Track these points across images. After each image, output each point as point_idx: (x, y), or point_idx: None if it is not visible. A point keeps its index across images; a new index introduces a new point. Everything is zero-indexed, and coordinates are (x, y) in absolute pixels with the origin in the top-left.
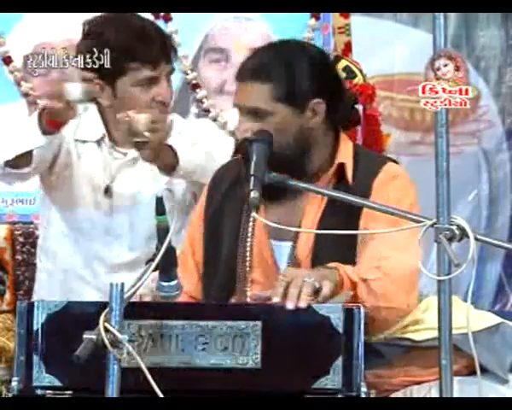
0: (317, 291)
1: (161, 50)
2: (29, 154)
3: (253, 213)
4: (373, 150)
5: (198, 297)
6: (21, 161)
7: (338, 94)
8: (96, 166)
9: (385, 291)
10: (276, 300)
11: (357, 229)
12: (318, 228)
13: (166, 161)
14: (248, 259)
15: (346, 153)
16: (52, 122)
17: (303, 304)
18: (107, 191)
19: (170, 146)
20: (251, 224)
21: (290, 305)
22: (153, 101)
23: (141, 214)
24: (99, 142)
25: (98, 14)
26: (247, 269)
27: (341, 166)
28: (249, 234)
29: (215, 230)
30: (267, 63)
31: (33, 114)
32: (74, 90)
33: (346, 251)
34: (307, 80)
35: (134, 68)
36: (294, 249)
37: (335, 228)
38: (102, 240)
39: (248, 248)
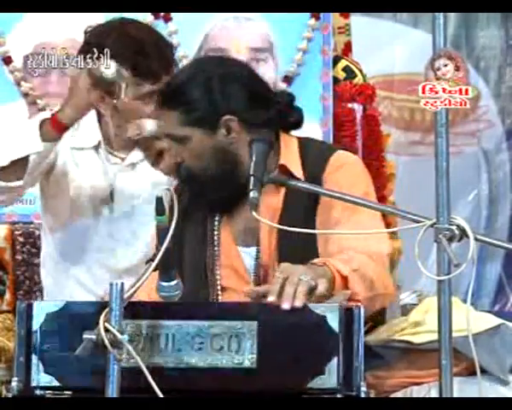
0: (312, 290)
1: (161, 64)
2: (24, 161)
3: (253, 213)
4: (321, 141)
5: None
6: (16, 168)
7: (257, 103)
8: (95, 172)
9: (376, 273)
10: (271, 298)
11: (313, 220)
12: (279, 230)
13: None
14: (217, 266)
15: (287, 153)
16: (58, 126)
17: (298, 303)
18: (111, 196)
19: None
20: (216, 232)
21: (286, 305)
22: (152, 115)
23: (141, 219)
24: (96, 148)
25: (99, 23)
26: (218, 277)
27: (286, 169)
28: (215, 242)
29: (181, 238)
30: (174, 89)
31: (32, 119)
32: (109, 70)
33: (308, 249)
34: (215, 99)
35: (135, 82)
36: (259, 254)
37: (294, 225)
38: (103, 246)
39: (216, 257)
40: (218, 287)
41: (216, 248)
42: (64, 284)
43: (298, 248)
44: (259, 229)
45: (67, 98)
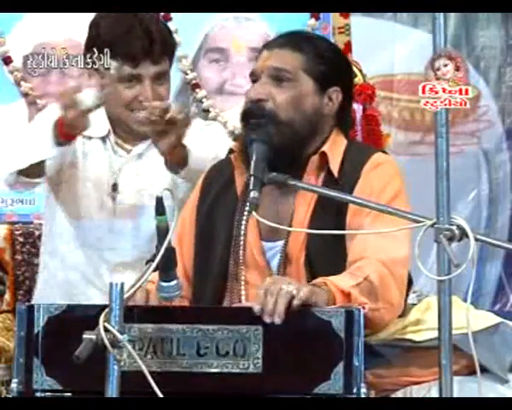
0: (293, 297)
1: (144, 49)
2: (42, 163)
3: (253, 213)
4: (365, 143)
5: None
6: (34, 170)
7: (351, 91)
8: (101, 163)
9: (382, 284)
10: (256, 309)
11: (345, 221)
12: (309, 226)
13: (178, 157)
14: (241, 259)
15: (333, 147)
16: (67, 134)
17: (278, 319)
18: (115, 189)
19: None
20: (243, 225)
21: (267, 319)
22: (135, 100)
23: (145, 212)
24: (104, 138)
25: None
26: (241, 270)
27: (325, 158)
28: (242, 235)
29: (207, 230)
30: (300, 39)
31: (47, 122)
32: (86, 97)
33: (339, 247)
34: (332, 67)
35: (117, 64)
36: (286, 248)
37: (326, 225)
38: (106, 238)
39: (241, 249)
40: (242, 282)
41: (241, 241)
42: (64, 278)
43: (327, 244)
44: (290, 224)
45: (64, 118)
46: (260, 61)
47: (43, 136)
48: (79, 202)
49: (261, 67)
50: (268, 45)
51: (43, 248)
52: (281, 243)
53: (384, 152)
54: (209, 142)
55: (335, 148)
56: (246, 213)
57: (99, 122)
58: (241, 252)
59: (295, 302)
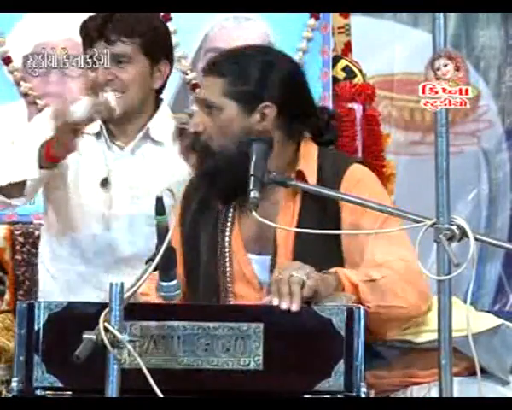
0: (304, 285)
1: (97, 28)
2: (22, 184)
3: (253, 213)
4: (339, 152)
5: None
6: (13, 189)
7: (300, 105)
8: (95, 160)
9: (394, 288)
10: (275, 301)
11: (335, 240)
12: (295, 237)
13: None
14: (229, 272)
15: (306, 160)
16: (53, 157)
17: (295, 307)
18: (105, 184)
19: None
20: (227, 238)
21: (283, 305)
22: (96, 82)
23: (139, 208)
24: (97, 135)
25: None
26: (228, 282)
27: (302, 176)
28: (226, 248)
29: (193, 244)
30: (223, 60)
31: (34, 142)
32: (79, 108)
33: (328, 259)
34: (260, 83)
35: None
36: (274, 262)
37: (312, 235)
38: (101, 235)
39: (228, 262)
40: (230, 294)
41: (227, 254)
42: (64, 277)
43: (316, 257)
44: (274, 238)
45: (56, 134)
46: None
47: (28, 155)
48: (74, 198)
49: (195, 96)
50: (202, 70)
51: (42, 251)
52: (267, 257)
53: (359, 162)
54: None
55: (309, 163)
56: (228, 225)
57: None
58: (227, 265)
59: (305, 292)
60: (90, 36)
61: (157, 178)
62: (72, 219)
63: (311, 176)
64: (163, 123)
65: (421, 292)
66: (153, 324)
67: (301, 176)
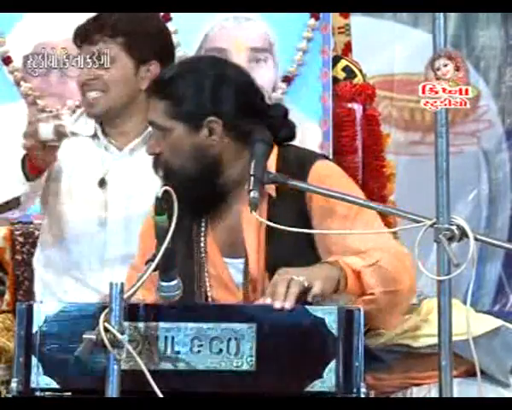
0: (306, 291)
1: (81, 28)
2: (16, 199)
3: (253, 213)
4: (300, 148)
5: None
6: (9, 206)
7: (247, 111)
8: (92, 161)
9: (395, 268)
10: (268, 301)
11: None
12: (267, 239)
13: None
14: (206, 277)
15: None
16: (34, 168)
17: (288, 305)
18: (102, 184)
19: None
20: (202, 243)
21: (277, 305)
22: (84, 82)
23: (136, 209)
24: (94, 136)
25: None
26: (207, 288)
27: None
28: (202, 254)
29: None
30: (167, 80)
31: (13, 158)
32: (46, 129)
33: (303, 259)
34: (204, 98)
35: None
36: (247, 266)
37: (282, 236)
38: (96, 234)
39: (205, 268)
40: (209, 298)
41: (203, 259)
42: (60, 279)
43: (288, 258)
44: (243, 242)
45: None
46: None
47: (13, 173)
48: (69, 198)
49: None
50: (147, 92)
51: (40, 254)
52: (240, 260)
53: (324, 156)
54: None
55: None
56: (202, 230)
57: (87, 120)
58: (205, 270)
59: (310, 298)
60: (77, 37)
61: (154, 179)
62: (68, 221)
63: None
64: None
65: (411, 273)
66: (144, 324)
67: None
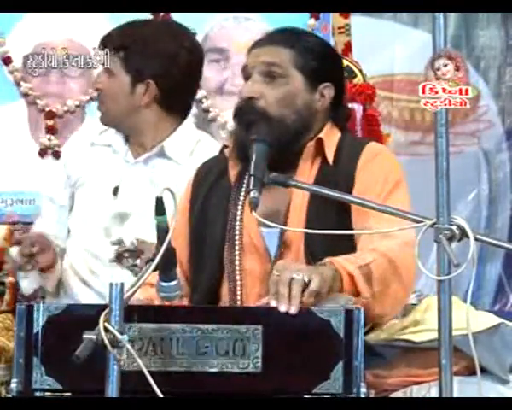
0: (306, 287)
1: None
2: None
3: (253, 213)
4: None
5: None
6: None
7: (343, 86)
8: (107, 167)
9: (384, 271)
10: (272, 302)
11: (346, 214)
12: (307, 213)
13: None
14: (238, 246)
15: (329, 133)
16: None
17: (294, 309)
18: (116, 192)
19: None
20: (239, 211)
21: (282, 308)
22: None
23: (142, 218)
24: (110, 146)
25: None
26: (237, 255)
27: (321, 144)
28: (237, 221)
29: (202, 225)
30: (290, 35)
31: None
32: (12, 253)
33: (339, 242)
34: (323, 62)
35: None
36: (283, 234)
37: (324, 213)
38: (104, 239)
39: (238, 235)
40: (237, 267)
41: (237, 226)
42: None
43: (327, 228)
44: (287, 214)
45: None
46: (251, 58)
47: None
48: (83, 204)
49: (252, 64)
50: (258, 43)
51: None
52: (277, 230)
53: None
54: None
55: (330, 137)
56: (241, 199)
57: (107, 130)
58: (237, 238)
59: (306, 298)
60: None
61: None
62: (83, 228)
63: (330, 147)
64: (181, 141)
65: (405, 286)
66: (151, 326)
67: (319, 143)
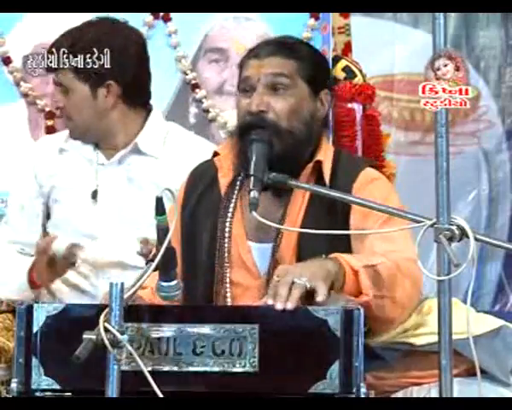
0: (309, 292)
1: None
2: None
3: (253, 213)
4: (354, 155)
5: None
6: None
7: (333, 92)
8: (80, 172)
9: (390, 276)
10: (269, 302)
11: (342, 226)
12: (302, 227)
13: None
14: (227, 258)
15: (325, 153)
16: (36, 284)
17: (290, 305)
18: (95, 196)
19: None
20: (227, 223)
21: (278, 306)
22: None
23: (126, 217)
24: (80, 152)
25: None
26: (226, 271)
27: (319, 166)
28: (226, 234)
29: (192, 232)
30: (289, 45)
31: (22, 264)
32: (60, 247)
33: (331, 251)
34: (321, 69)
35: None
36: (276, 250)
37: (319, 227)
38: (88, 244)
39: (226, 250)
40: (226, 280)
41: (226, 241)
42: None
43: (321, 247)
44: (282, 224)
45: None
46: (252, 70)
47: (19, 278)
48: (62, 211)
49: (255, 76)
50: (255, 54)
51: None
52: (269, 245)
53: (373, 166)
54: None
55: (327, 156)
56: (230, 211)
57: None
58: (225, 251)
59: (318, 299)
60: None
61: (143, 187)
62: (65, 234)
63: (327, 169)
64: (152, 135)
65: (415, 283)
66: (147, 326)
67: (318, 166)
